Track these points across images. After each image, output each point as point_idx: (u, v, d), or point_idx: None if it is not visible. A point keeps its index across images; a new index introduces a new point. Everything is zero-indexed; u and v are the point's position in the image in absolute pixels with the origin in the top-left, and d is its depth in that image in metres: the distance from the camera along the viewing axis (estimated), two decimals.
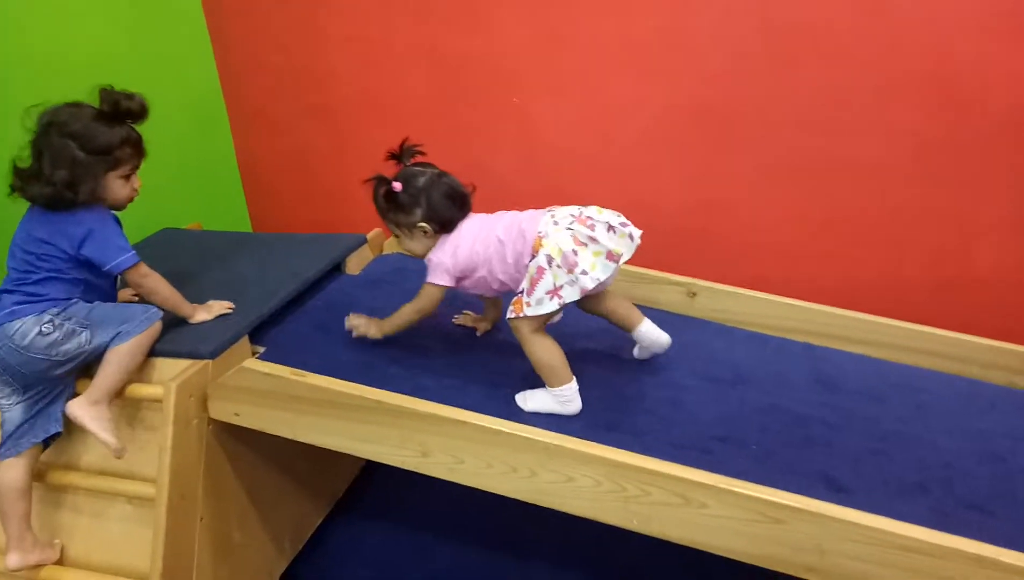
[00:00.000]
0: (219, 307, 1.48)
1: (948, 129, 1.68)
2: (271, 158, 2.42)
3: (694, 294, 1.73)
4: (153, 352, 1.37)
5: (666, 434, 1.32)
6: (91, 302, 1.33)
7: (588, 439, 1.21)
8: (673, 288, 1.74)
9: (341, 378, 1.33)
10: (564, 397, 1.34)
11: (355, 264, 1.85)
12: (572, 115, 1.97)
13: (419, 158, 1.44)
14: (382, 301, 1.65)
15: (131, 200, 1.37)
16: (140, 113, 1.31)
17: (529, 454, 1.15)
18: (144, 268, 1.36)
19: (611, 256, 1.33)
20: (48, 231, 1.27)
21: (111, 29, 1.91)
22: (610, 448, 1.14)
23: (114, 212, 1.35)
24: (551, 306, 1.31)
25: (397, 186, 1.38)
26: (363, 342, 1.50)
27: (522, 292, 1.33)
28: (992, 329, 1.62)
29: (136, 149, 1.33)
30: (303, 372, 1.30)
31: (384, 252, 1.95)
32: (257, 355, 1.48)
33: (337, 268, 1.80)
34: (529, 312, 1.31)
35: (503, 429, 1.17)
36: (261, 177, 2.45)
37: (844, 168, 1.78)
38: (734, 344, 1.65)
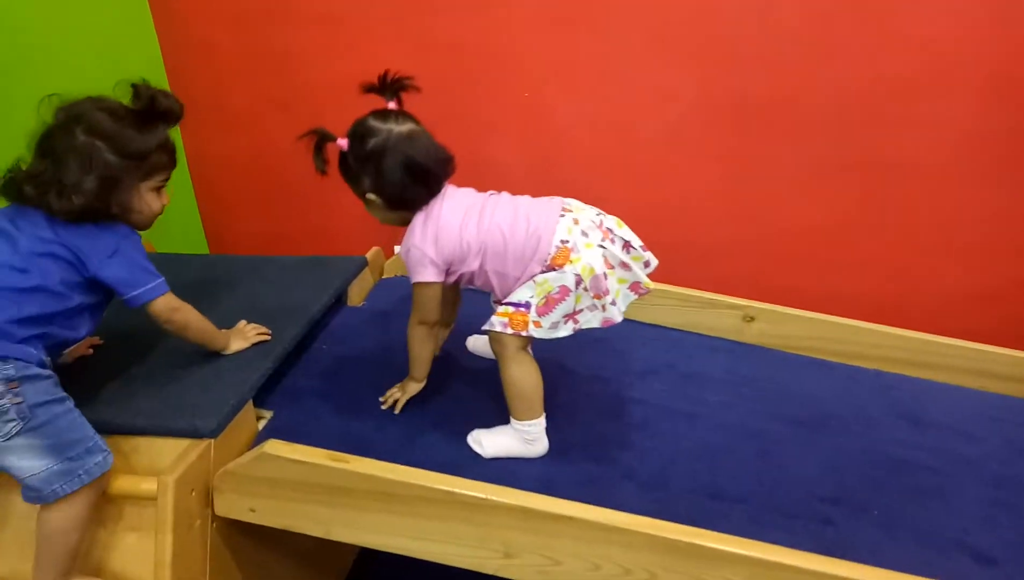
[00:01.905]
0: (254, 333, 1.26)
1: (1008, 125, 1.55)
2: (226, 160, 2.07)
3: (752, 318, 1.55)
4: (137, 429, 1.07)
5: (768, 498, 1.14)
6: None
7: (680, 509, 1.04)
8: (728, 312, 1.55)
9: (379, 451, 1.08)
10: (531, 435, 1.15)
11: (357, 293, 1.57)
12: (589, 109, 1.74)
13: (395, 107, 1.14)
14: (399, 336, 1.39)
15: (158, 216, 1.14)
16: (179, 115, 1.10)
17: (651, 553, 0.94)
18: (174, 298, 1.13)
19: (636, 288, 1.14)
20: (63, 240, 1.02)
21: None
22: (758, 543, 0.94)
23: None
24: (566, 331, 1.11)
25: (343, 144, 1.11)
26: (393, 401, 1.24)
27: (526, 306, 1.09)
28: None
29: (172, 157, 1.12)
30: (344, 456, 1.03)
31: (386, 275, 1.67)
32: (264, 422, 1.20)
33: (338, 299, 1.52)
34: (538, 334, 1.09)
35: (616, 524, 0.94)
36: (215, 183, 2.10)
37: (893, 166, 1.63)
38: (801, 375, 1.48)
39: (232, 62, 1.93)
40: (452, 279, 1.16)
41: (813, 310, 1.55)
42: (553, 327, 1.10)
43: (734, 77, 1.64)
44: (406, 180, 1.09)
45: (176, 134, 1.99)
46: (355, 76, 1.82)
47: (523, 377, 1.13)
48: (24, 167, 1.04)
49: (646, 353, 1.52)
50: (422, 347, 1.20)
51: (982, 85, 1.51)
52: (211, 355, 1.22)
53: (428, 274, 1.11)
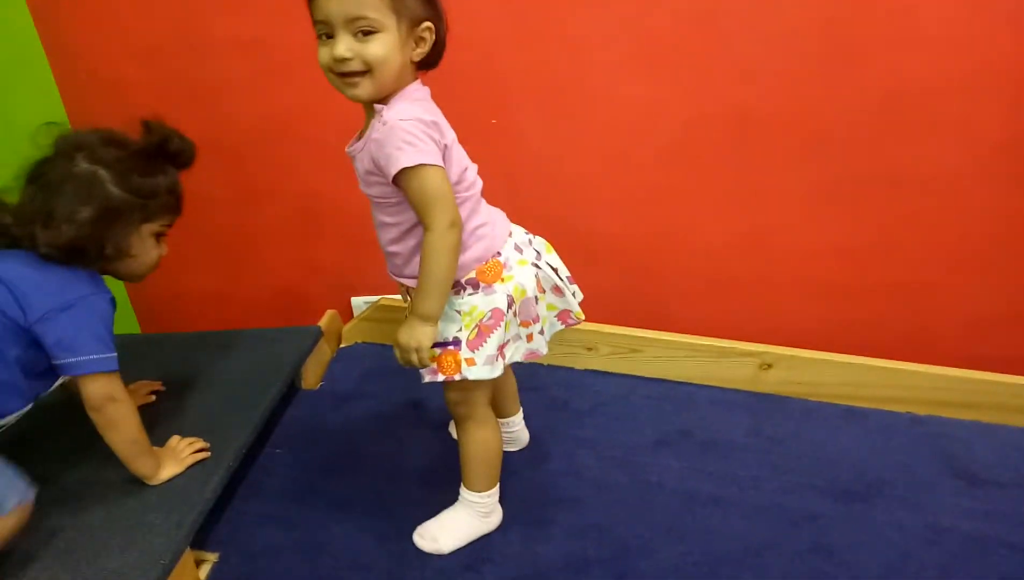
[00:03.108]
0: (189, 452, 1.03)
1: None
2: None
3: (769, 366, 1.36)
4: None
5: None
6: None
7: None
8: (743, 360, 1.36)
9: None
10: (488, 506, 1.02)
11: (312, 372, 1.33)
12: (569, 133, 1.51)
13: None
14: (370, 425, 1.17)
15: (154, 269, 1.03)
16: (189, 160, 1.02)
17: None
18: (118, 385, 0.94)
19: (565, 317, 1.01)
20: (10, 277, 0.89)
21: None
22: None
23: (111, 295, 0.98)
24: (497, 370, 0.91)
25: None
26: (370, 521, 1.01)
27: (454, 342, 0.88)
28: None
29: (179, 203, 1.02)
30: None
31: (344, 343, 1.43)
32: (208, 569, 0.96)
33: (290, 383, 1.27)
34: (474, 374, 0.89)
35: None
36: None
37: (913, 180, 1.45)
38: (833, 429, 1.30)
39: (142, 99, 1.65)
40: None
41: (834, 349, 1.38)
42: (489, 363, 0.89)
43: (733, 89, 1.43)
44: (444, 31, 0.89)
45: None
46: (287, 108, 1.56)
47: (488, 441, 0.98)
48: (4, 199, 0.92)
49: (653, 417, 1.32)
50: (453, 262, 0.86)
51: (1013, 89, 1.34)
52: (134, 489, 0.97)
53: (429, 153, 0.81)
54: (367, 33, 0.80)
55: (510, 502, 1.08)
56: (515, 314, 0.92)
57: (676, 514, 1.09)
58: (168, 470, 1.00)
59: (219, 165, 1.68)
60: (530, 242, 0.99)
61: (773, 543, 1.04)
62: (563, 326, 1.02)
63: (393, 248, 0.92)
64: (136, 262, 0.98)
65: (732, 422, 1.30)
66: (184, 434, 1.08)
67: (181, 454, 1.03)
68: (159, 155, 0.98)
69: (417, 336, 0.86)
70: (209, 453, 1.04)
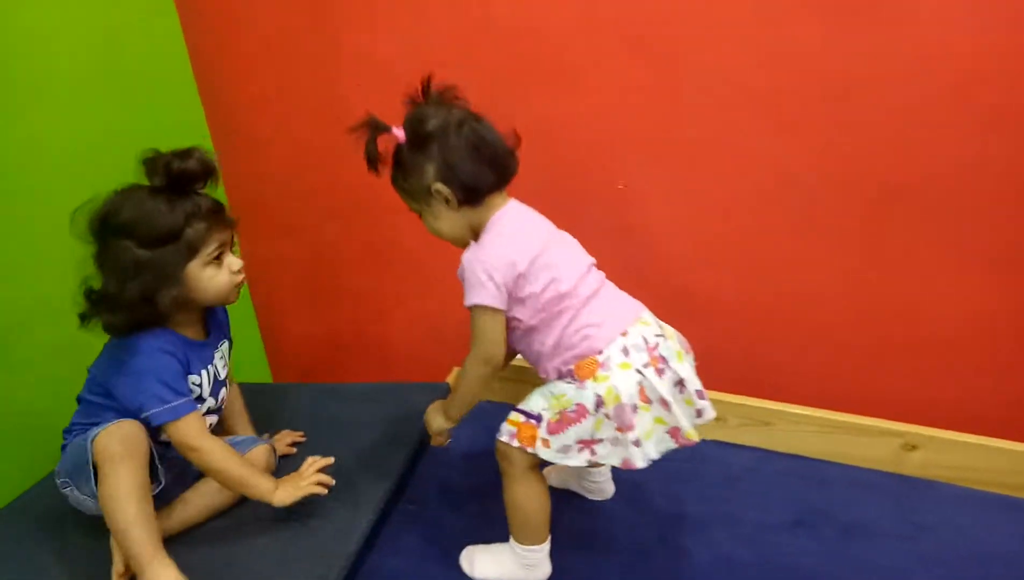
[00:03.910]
0: (310, 479, 1.04)
1: None
2: (282, 262, 1.90)
3: (914, 447, 1.28)
4: None
5: None
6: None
7: None
8: (884, 440, 1.29)
9: None
10: (531, 560, 1.03)
11: None
12: (695, 195, 1.49)
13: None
14: (499, 483, 1.17)
15: (237, 288, 1.03)
16: (203, 172, 0.97)
17: None
18: (191, 431, 0.97)
19: (675, 435, 0.94)
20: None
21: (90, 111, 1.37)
22: None
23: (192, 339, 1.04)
24: (578, 460, 0.94)
25: (399, 134, 0.94)
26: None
27: (537, 418, 0.93)
28: None
29: (214, 221, 0.98)
30: None
31: None
32: None
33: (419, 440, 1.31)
34: (545, 455, 0.94)
35: None
36: (272, 286, 1.93)
37: None
38: (988, 521, 1.20)
39: (281, 160, 1.77)
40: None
41: (988, 433, 1.28)
42: (563, 451, 0.94)
43: (869, 153, 1.37)
44: (476, 159, 0.92)
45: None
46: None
47: (528, 500, 1.00)
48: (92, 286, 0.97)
49: (787, 494, 1.26)
50: (478, 389, 0.99)
51: None
52: (281, 538, 1.01)
53: (487, 295, 0.91)
54: (420, 215, 0.99)
55: (637, 574, 1.06)
56: (607, 416, 0.91)
57: None
58: (283, 495, 1.01)
59: (350, 224, 1.78)
60: (656, 346, 0.94)
61: None
62: (676, 445, 0.95)
63: (516, 346, 1.02)
64: (206, 294, 1.00)
65: (875, 506, 1.23)
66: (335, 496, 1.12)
67: (301, 480, 1.04)
68: (171, 186, 0.95)
69: (431, 419, 1.07)
70: (327, 490, 1.04)
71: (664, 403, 0.92)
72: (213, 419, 1.11)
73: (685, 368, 0.94)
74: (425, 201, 0.96)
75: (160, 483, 1.00)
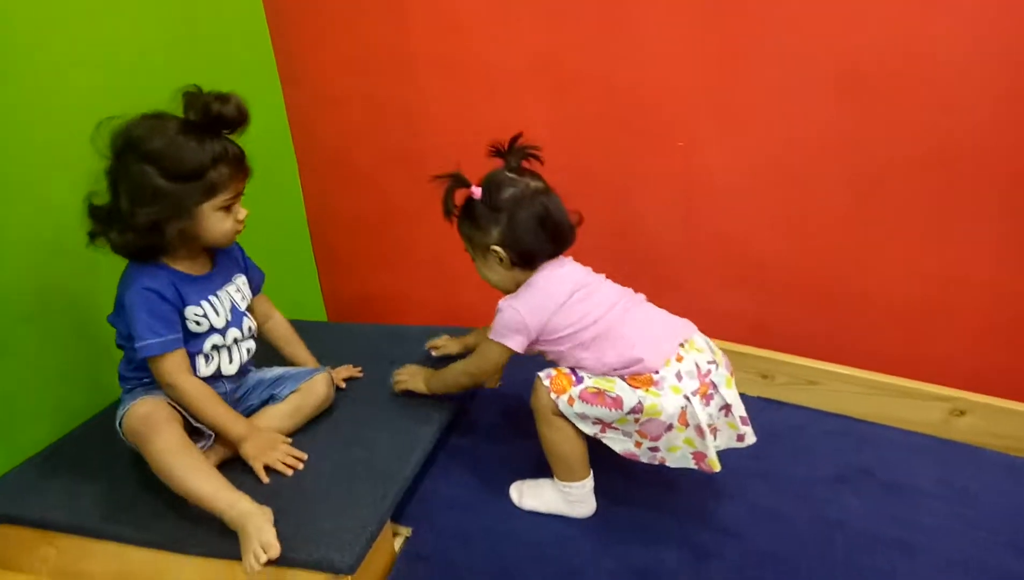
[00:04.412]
0: (283, 452, 1.08)
1: None
2: (348, 219, 1.96)
3: (962, 413, 1.29)
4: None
5: None
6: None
7: None
8: (933, 404, 1.29)
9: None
10: (574, 496, 1.09)
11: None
12: (755, 158, 1.49)
13: (529, 165, 1.10)
14: None
15: (235, 236, 1.06)
16: (238, 119, 0.99)
17: None
18: (172, 367, 1.01)
19: (699, 459, 1.01)
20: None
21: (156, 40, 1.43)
22: None
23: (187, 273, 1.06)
24: (589, 430, 1.04)
25: (476, 192, 1.07)
26: (549, 518, 1.07)
27: (579, 379, 1.03)
28: None
29: (236, 169, 1.00)
30: None
31: None
32: (401, 542, 1.05)
33: None
34: (563, 408, 1.03)
35: None
36: (336, 242, 2.00)
37: None
38: None
39: (356, 116, 1.82)
40: (531, 350, 1.09)
41: None
42: (580, 418, 1.03)
43: (938, 119, 1.34)
44: (539, 233, 1.05)
45: (296, 190, 1.93)
46: (489, 129, 1.65)
47: (558, 441, 1.06)
48: (96, 203, 0.99)
49: (831, 451, 1.28)
50: (455, 381, 1.17)
51: None
52: (347, 460, 1.09)
53: (513, 341, 1.06)
54: (473, 258, 1.12)
55: (681, 523, 1.10)
56: (636, 420, 0.99)
57: (856, 553, 1.05)
58: (250, 448, 1.04)
59: (419, 181, 1.83)
60: (708, 373, 1.01)
61: None
62: (694, 467, 1.03)
63: (565, 364, 1.08)
64: (207, 234, 1.01)
65: (919, 468, 1.24)
66: (382, 418, 1.19)
67: (276, 451, 1.06)
68: (205, 125, 0.96)
69: (410, 378, 1.23)
70: (290, 471, 1.06)
71: (699, 431, 0.99)
72: (250, 346, 1.14)
73: (732, 394, 1.02)
74: (483, 254, 1.09)
75: (210, 436, 1.05)
